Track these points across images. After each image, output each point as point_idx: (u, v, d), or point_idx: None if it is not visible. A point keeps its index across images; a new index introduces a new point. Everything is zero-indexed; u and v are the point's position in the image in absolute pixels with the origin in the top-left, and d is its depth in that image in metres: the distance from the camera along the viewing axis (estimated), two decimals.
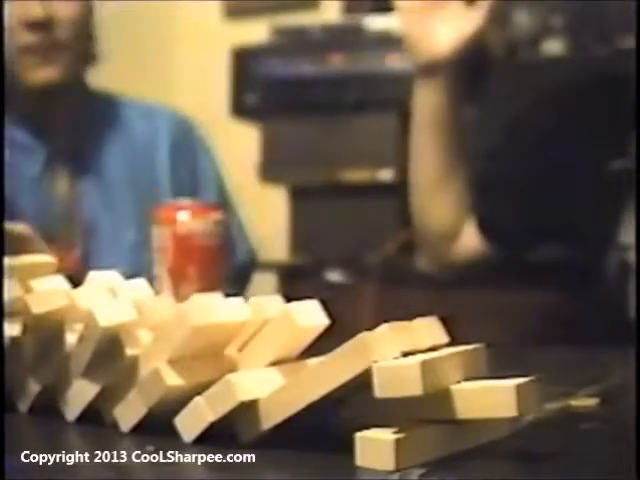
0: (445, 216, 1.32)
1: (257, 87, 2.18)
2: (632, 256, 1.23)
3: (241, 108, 2.22)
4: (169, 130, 1.45)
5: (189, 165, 1.45)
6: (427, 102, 1.26)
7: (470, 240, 1.33)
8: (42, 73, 1.29)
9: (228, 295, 0.62)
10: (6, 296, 0.66)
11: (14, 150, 1.34)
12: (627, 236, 1.23)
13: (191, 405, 0.58)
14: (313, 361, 0.59)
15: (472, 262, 1.35)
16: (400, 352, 0.55)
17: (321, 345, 0.60)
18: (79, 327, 0.63)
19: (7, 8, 1.26)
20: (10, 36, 1.27)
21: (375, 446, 0.53)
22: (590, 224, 1.29)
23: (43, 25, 1.27)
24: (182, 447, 0.58)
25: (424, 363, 0.52)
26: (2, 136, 1.26)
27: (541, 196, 1.31)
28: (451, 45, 1.23)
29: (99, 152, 1.40)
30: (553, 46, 2.08)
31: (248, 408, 0.57)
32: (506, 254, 1.35)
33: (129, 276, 0.68)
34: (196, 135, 1.50)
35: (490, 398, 0.53)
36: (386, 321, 0.56)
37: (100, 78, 1.45)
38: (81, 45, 1.34)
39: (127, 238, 1.36)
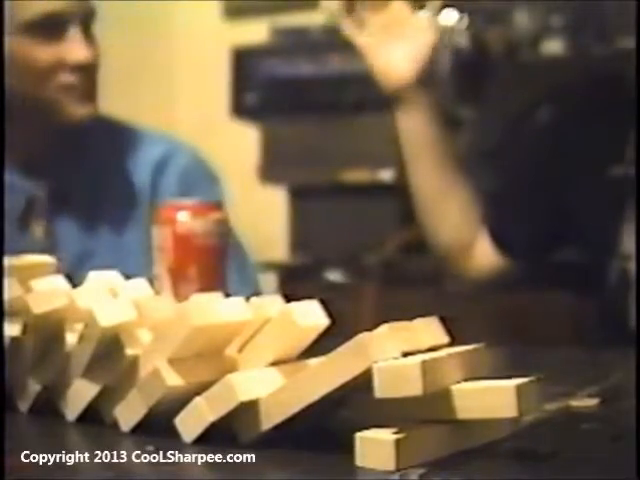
0: (453, 232, 1.32)
1: (257, 87, 2.18)
2: (633, 266, 1.23)
3: (241, 108, 2.22)
4: (179, 157, 1.44)
5: (196, 195, 1.44)
6: (408, 126, 1.26)
7: (485, 254, 1.33)
8: (82, 111, 1.31)
9: (228, 295, 0.62)
10: (6, 296, 0.66)
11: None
12: (628, 246, 1.24)
13: (191, 405, 0.58)
14: (313, 361, 0.59)
15: (490, 276, 1.35)
16: (400, 352, 0.55)
17: (321, 345, 0.60)
18: (79, 327, 0.63)
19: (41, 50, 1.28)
20: (48, 75, 1.29)
21: (375, 446, 0.53)
22: (593, 230, 1.29)
23: (86, 67, 1.30)
24: (182, 447, 0.58)
25: (424, 363, 0.52)
26: (2, 141, 1.27)
27: (548, 203, 1.31)
28: (411, 68, 1.23)
29: (104, 187, 1.39)
30: (553, 46, 2.08)
31: (248, 408, 0.57)
32: (522, 264, 1.34)
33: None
34: (206, 168, 1.49)
35: (490, 398, 0.53)
36: (386, 321, 0.56)
37: (100, 78, 1.44)
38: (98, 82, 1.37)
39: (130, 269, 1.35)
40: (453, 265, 1.35)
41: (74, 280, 1.13)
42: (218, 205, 1.03)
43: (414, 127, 1.26)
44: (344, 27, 1.25)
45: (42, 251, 1.32)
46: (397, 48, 1.24)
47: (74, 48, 1.29)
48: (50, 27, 1.28)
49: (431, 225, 1.32)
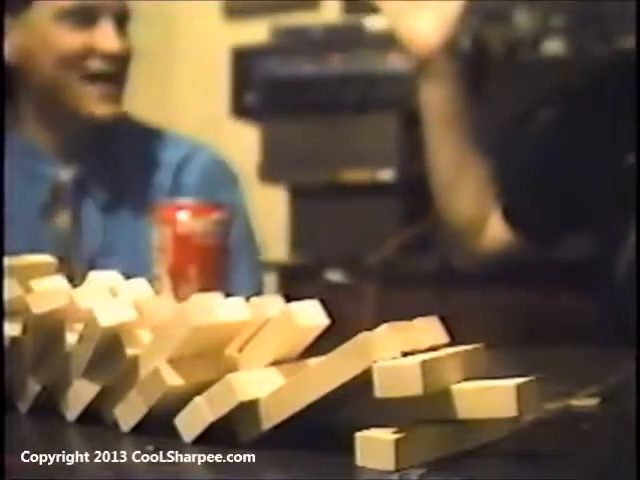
0: (468, 207, 1.31)
1: (257, 87, 2.18)
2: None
3: (241, 108, 2.22)
4: (200, 157, 1.42)
5: (215, 195, 1.42)
6: (432, 97, 1.25)
7: (496, 231, 1.33)
8: (104, 108, 1.30)
9: (228, 295, 0.62)
10: (6, 296, 0.66)
11: (26, 175, 1.33)
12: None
13: (191, 405, 0.58)
14: (313, 361, 0.59)
15: (500, 253, 1.34)
16: (400, 352, 0.55)
17: (321, 345, 0.60)
18: (79, 327, 0.63)
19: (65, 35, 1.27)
20: (75, 61, 1.28)
21: (375, 446, 0.53)
22: (605, 220, 1.29)
23: (114, 59, 1.29)
24: (182, 447, 0.58)
25: (424, 363, 0.52)
26: (2, 138, 1.26)
27: (562, 186, 1.30)
28: (438, 34, 1.22)
29: (126, 183, 1.38)
30: (553, 46, 2.08)
31: (248, 408, 0.57)
32: (533, 244, 1.34)
33: None
34: (227, 168, 1.46)
35: (490, 398, 0.53)
36: (386, 321, 0.56)
37: (128, 82, 1.44)
38: (127, 83, 1.35)
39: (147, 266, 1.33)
40: (465, 241, 1.35)
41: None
42: (218, 205, 1.04)
43: (436, 98, 1.24)
44: None
45: (67, 241, 1.33)
46: (423, 13, 1.22)
47: (104, 37, 1.28)
48: (84, 16, 1.28)
49: (447, 199, 1.31)
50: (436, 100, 1.25)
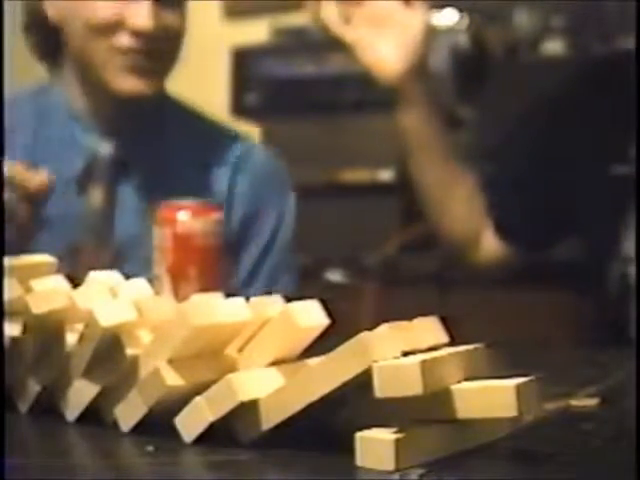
0: (460, 224, 1.32)
1: (257, 87, 2.18)
2: (632, 270, 1.23)
3: (241, 108, 2.22)
4: (256, 158, 1.36)
5: (267, 203, 1.36)
6: (408, 122, 1.26)
7: (491, 245, 1.34)
8: (132, 84, 1.22)
9: (228, 295, 0.62)
10: (6, 296, 0.66)
11: (61, 144, 1.26)
12: (629, 249, 1.23)
13: (191, 405, 0.58)
14: (313, 361, 0.59)
15: (495, 266, 1.35)
16: (400, 352, 0.55)
17: (321, 345, 0.60)
18: (79, 327, 0.63)
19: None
20: (104, 33, 1.21)
21: (375, 446, 0.53)
22: (594, 227, 1.29)
23: (145, 36, 1.21)
24: (182, 447, 0.58)
25: (424, 363, 0.52)
26: (2, 135, 1.25)
27: (550, 195, 1.31)
28: (402, 60, 1.22)
29: (161, 164, 1.30)
30: (553, 46, 2.08)
31: (248, 408, 0.57)
32: (526, 254, 1.35)
33: None
34: (281, 172, 1.39)
35: (490, 398, 0.53)
36: (386, 321, 0.56)
37: (171, 59, 1.38)
38: (173, 60, 1.29)
39: None
40: (461, 256, 1.36)
41: (118, 265, 1.06)
42: (218, 205, 1.04)
43: (412, 123, 1.25)
44: (331, 25, 1.23)
45: (96, 222, 1.28)
46: (385, 41, 1.22)
47: (136, 13, 1.21)
48: None
49: (437, 218, 1.32)
50: (412, 124, 1.25)
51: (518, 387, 0.52)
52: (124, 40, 1.21)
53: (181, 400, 0.59)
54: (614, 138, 1.27)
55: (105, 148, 1.27)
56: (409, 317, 0.58)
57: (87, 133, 1.28)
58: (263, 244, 1.34)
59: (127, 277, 0.69)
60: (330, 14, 1.22)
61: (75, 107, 1.29)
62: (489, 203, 1.33)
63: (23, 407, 0.67)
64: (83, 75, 1.27)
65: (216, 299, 0.61)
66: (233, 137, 1.38)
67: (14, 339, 0.66)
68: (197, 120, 1.38)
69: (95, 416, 0.64)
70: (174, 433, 0.59)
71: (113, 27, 1.21)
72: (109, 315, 0.60)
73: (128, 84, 1.22)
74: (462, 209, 1.31)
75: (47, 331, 0.65)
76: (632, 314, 1.21)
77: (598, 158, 1.27)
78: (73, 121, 1.28)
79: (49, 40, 1.29)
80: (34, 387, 0.66)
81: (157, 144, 1.31)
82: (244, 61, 2.20)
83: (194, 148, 1.33)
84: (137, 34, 1.21)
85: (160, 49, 1.24)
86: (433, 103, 1.26)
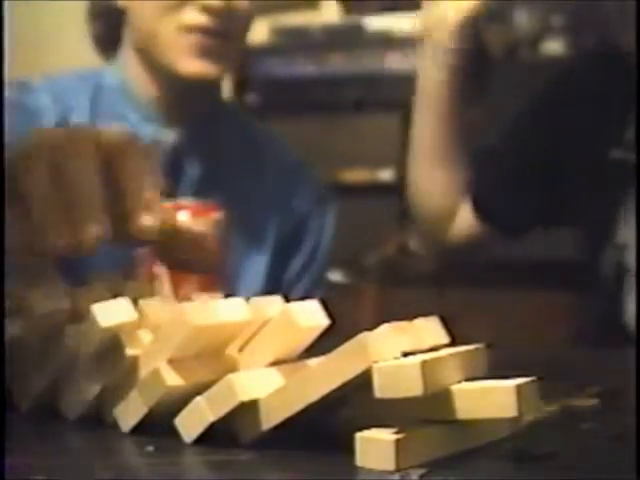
0: (441, 193, 1.32)
1: (257, 87, 2.18)
2: (629, 256, 1.22)
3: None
4: (309, 173, 1.37)
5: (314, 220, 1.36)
6: (427, 74, 1.27)
7: (465, 220, 1.33)
8: (198, 65, 1.17)
9: (228, 295, 0.62)
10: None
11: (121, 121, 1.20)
12: (624, 236, 1.23)
13: (191, 405, 0.58)
14: (313, 361, 0.59)
15: (468, 245, 1.35)
16: (400, 352, 0.55)
17: (321, 345, 0.60)
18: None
19: None
20: (170, 10, 1.17)
21: (375, 446, 0.53)
22: (588, 214, 1.29)
23: (218, 12, 1.16)
24: (182, 447, 0.58)
25: (424, 363, 0.52)
26: (2, 131, 1.24)
27: (538, 178, 1.31)
28: (453, 22, 1.25)
29: (215, 161, 1.27)
30: (553, 46, 2.08)
31: (248, 408, 0.57)
32: (501, 235, 1.34)
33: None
34: (323, 189, 1.39)
35: (490, 398, 0.53)
36: (386, 321, 0.56)
37: (239, 43, 1.35)
38: (242, 45, 1.25)
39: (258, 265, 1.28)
40: (434, 230, 1.36)
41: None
42: (218, 205, 1.03)
43: (432, 73, 1.27)
44: None
45: None
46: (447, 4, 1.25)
47: None
48: None
49: (422, 181, 1.32)
50: (429, 74, 1.27)
51: (518, 387, 0.52)
52: (193, 17, 1.17)
53: (181, 400, 0.59)
54: (609, 121, 1.26)
55: (168, 136, 1.23)
56: (409, 317, 0.58)
57: (148, 119, 1.24)
58: (304, 260, 1.34)
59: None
60: None
61: (137, 90, 1.25)
62: (471, 179, 1.32)
63: (23, 407, 0.67)
64: (146, 60, 1.23)
65: (216, 299, 0.61)
66: (288, 150, 1.38)
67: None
68: (251, 125, 1.38)
69: (95, 416, 0.64)
70: (174, 433, 0.59)
71: (182, 3, 1.17)
72: (109, 315, 0.60)
73: (194, 65, 1.18)
74: (446, 175, 1.31)
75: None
76: (629, 305, 1.20)
77: (592, 142, 1.27)
78: (132, 105, 1.25)
79: (111, 26, 1.27)
80: (34, 387, 0.66)
81: (213, 139, 1.29)
82: (244, 61, 2.20)
83: (251, 158, 1.31)
84: (207, 10, 1.16)
85: (228, 30, 1.19)
86: (459, 77, 1.27)
